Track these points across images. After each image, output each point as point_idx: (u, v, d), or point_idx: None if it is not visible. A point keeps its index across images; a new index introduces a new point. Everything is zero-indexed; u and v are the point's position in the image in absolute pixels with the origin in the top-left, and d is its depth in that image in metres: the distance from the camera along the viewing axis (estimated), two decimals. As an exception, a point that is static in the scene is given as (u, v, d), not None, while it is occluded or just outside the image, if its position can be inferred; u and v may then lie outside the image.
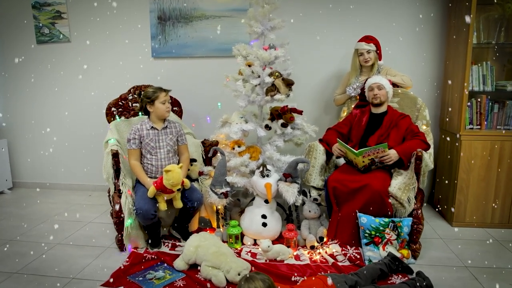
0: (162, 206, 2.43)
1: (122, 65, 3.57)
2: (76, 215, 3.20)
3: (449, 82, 3.04)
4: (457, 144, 2.85)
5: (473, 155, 2.81)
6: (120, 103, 3.04)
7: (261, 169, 2.64)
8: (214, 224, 2.82)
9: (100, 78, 3.65)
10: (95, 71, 3.64)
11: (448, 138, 3.01)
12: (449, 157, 2.99)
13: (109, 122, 2.99)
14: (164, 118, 2.56)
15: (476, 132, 2.85)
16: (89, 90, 3.68)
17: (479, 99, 2.90)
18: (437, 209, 3.20)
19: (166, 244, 2.60)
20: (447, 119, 3.08)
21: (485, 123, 2.92)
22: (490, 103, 2.91)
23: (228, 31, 3.39)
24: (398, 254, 2.30)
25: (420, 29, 3.23)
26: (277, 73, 2.71)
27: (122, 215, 2.46)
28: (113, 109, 3.01)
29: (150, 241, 2.53)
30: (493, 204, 2.85)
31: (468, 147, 2.81)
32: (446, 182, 3.00)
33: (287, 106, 2.80)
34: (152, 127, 2.54)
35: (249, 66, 2.75)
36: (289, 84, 2.72)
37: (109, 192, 3.00)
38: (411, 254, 2.36)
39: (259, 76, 2.75)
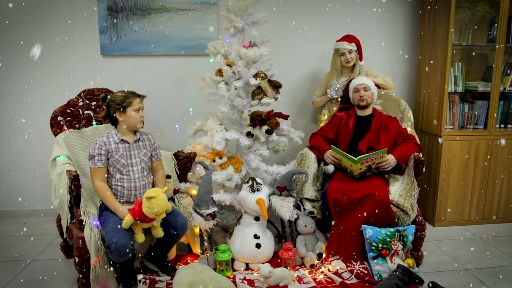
0: (140, 237, 1.99)
1: (63, 64, 2.95)
2: (11, 252, 2.54)
3: (425, 82, 3.05)
4: (438, 145, 2.85)
5: (452, 155, 2.85)
6: (68, 110, 2.47)
7: (250, 183, 2.34)
8: (196, 250, 2.43)
9: (36, 81, 2.97)
10: (29, 72, 2.96)
11: (425, 139, 3.02)
12: (427, 158, 2.99)
13: (55, 135, 2.42)
14: (136, 129, 2.11)
15: (455, 132, 2.90)
16: (21, 94, 2.98)
17: (451, 100, 2.95)
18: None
19: (143, 281, 2.15)
20: (422, 120, 3.09)
21: (457, 123, 2.99)
22: (462, 104, 2.98)
23: (193, 26, 3.00)
24: (405, 265, 2.18)
25: (391, 29, 3.20)
26: (262, 74, 2.42)
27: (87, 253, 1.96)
28: (59, 118, 2.44)
29: (121, 280, 2.06)
30: (470, 202, 2.92)
31: (448, 147, 2.83)
32: (425, 182, 3.00)
33: (272, 110, 2.53)
34: (122, 140, 2.07)
35: (229, 66, 2.43)
36: (276, 86, 2.45)
37: (59, 222, 2.45)
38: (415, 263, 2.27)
39: (239, 78, 2.44)
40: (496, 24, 2.89)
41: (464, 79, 2.97)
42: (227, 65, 2.43)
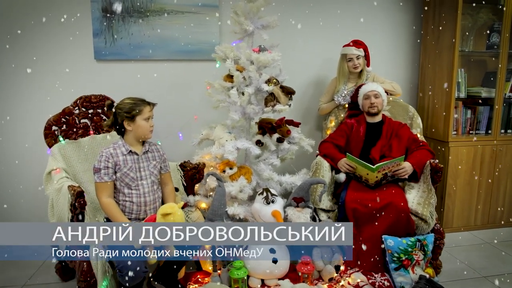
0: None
1: (54, 69, 2.72)
2: (-2, 277, 2.30)
3: (430, 87, 3.04)
4: (444, 150, 2.84)
5: (459, 160, 2.84)
6: (63, 119, 2.27)
7: (264, 194, 2.22)
8: (206, 267, 2.27)
9: (26, 86, 2.73)
10: (17, 78, 2.71)
11: (431, 145, 2.99)
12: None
13: (49, 146, 2.21)
14: (146, 139, 1.95)
15: (460, 138, 2.90)
16: (10, 102, 2.72)
17: (455, 106, 2.95)
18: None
19: (153, 303, 1.98)
20: (426, 126, 3.07)
21: (461, 129, 2.99)
22: (465, 109, 2.99)
23: (193, 30, 2.85)
24: (425, 275, 2.12)
25: (395, 34, 3.17)
26: (274, 80, 2.32)
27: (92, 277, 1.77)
28: (54, 127, 2.23)
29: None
30: (476, 207, 2.93)
31: (455, 153, 2.83)
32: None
33: (284, 118, 2.43)
34: (130, 151, 1.90)
35: (238, 71, 2.31)
36: (289, 92, 2.35)
37: (54, 241, 2.22)
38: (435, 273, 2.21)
39: (249, 84, 2.33)
40: (495, 31, 2.93)
41: (466, 85, 2.99)
42: (237, 70, 2.31)
